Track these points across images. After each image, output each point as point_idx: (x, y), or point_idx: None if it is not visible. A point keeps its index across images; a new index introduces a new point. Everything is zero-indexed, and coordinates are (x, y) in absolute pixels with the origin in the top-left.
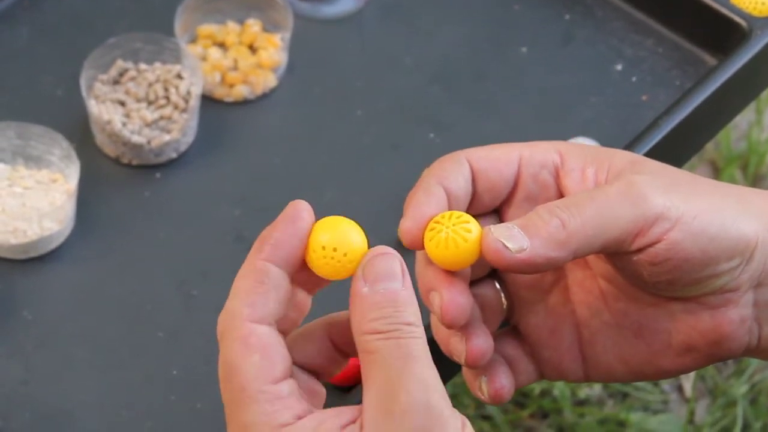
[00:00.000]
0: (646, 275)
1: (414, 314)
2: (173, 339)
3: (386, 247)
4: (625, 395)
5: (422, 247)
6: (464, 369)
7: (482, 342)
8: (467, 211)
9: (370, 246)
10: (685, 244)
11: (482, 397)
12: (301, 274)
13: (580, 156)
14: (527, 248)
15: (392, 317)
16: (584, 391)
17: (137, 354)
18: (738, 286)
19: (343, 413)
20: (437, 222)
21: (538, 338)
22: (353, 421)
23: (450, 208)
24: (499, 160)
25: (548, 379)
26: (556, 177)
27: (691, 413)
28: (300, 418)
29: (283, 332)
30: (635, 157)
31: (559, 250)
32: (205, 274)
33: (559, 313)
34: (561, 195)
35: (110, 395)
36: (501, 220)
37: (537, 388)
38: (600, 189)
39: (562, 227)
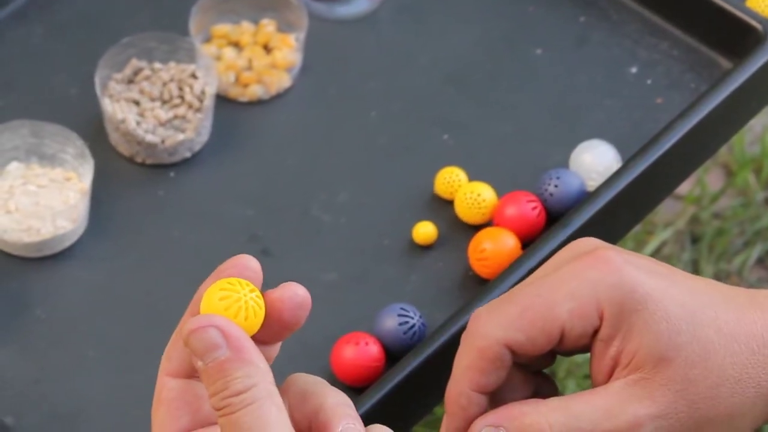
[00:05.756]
0: None
1: (245, 377)
2: None
3: (200, 317)
4: None
5: None
6: None
7: None
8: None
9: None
10: None
11: None
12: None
13: (611, 323)
14: None
15: (223, 390)
16: None
17: (150, 353)
18: None
19: None
20: (226, 289)
21: None
22: None
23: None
24: (537, 341)
25: None
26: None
27: None
28: None
29: None
30: (662, 350)
31: None
32: None
33: None
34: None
35: (122, 394)
36: None
37: None
38: (603, 421)
39: None
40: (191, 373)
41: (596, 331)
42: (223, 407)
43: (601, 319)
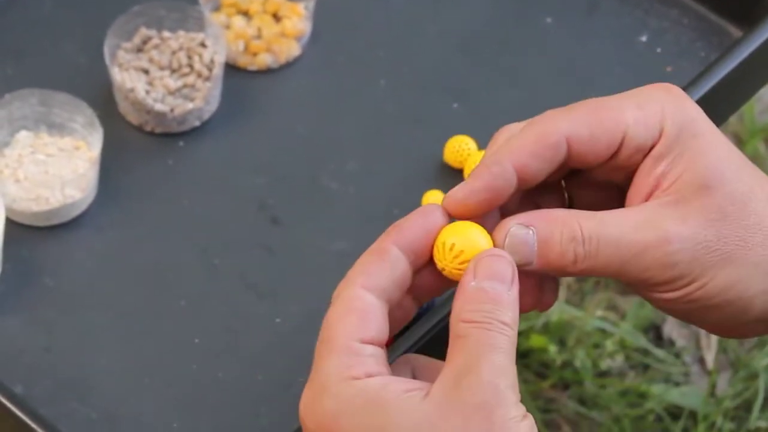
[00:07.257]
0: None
1: (511, 318)
2: (195, 307)
3: (503, 251)
4: (646, 367)
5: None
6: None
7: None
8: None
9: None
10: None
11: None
12: (417, 278)
13: (667, 142)
14: (532, 265)
15: (489, 312)
16: (606, 363)
17: (159, 322)
18: None
19: (410, 382)
20: (439, 250)
21: None
22: (420, 389)
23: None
24: (599, 141)
25: None
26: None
27: (713, 385)
28: (370, 376)
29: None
30: (708, 178)
31: (564, 275)
32: (228, 242)
33: None
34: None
35: (132, 363)
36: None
37: (558, 359)
38: (632, 232)
39: (574, 263)
40: (387, 296)
41: (650, 150)
42: (484, 321)
43: (659, 136)
